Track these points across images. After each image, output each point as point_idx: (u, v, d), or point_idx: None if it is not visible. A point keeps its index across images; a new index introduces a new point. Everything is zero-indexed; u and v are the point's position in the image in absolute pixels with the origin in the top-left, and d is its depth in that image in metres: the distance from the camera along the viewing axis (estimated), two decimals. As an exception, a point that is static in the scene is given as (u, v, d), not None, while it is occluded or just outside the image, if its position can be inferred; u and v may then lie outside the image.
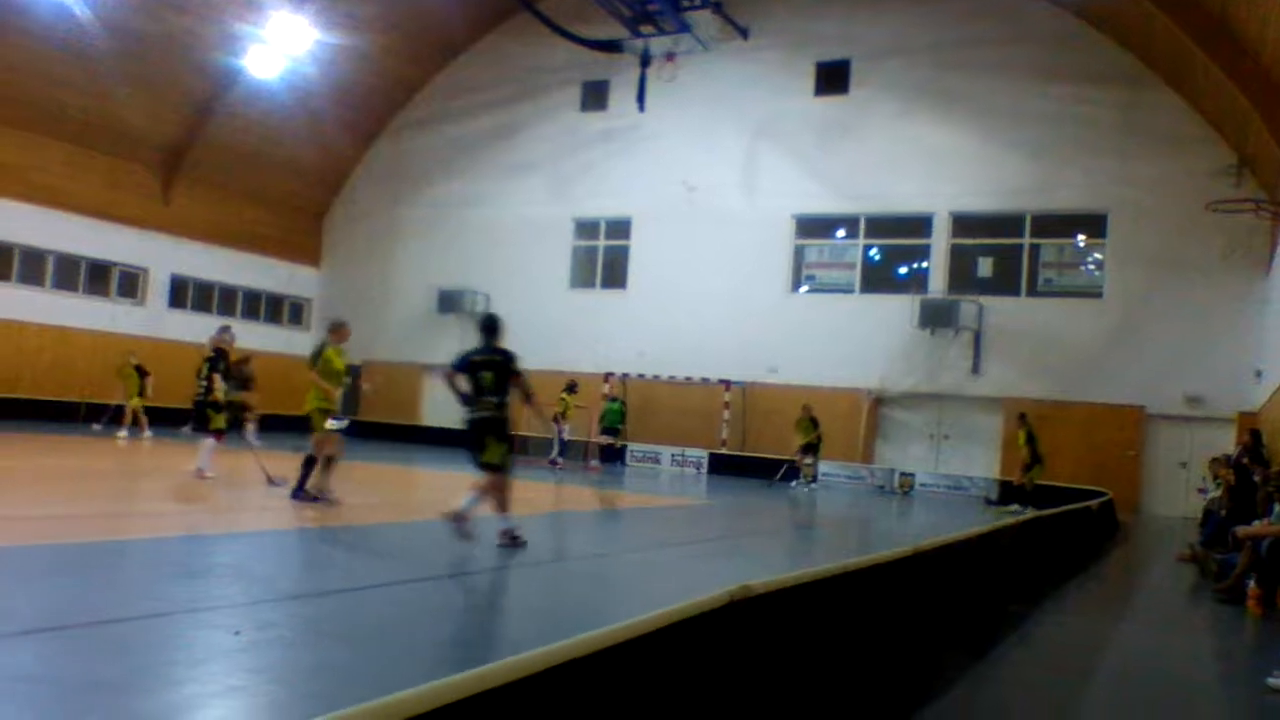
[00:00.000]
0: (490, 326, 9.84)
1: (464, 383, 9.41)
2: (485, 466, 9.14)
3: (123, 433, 21.62)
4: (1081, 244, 24.84)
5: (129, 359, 22.68)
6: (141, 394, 22.28)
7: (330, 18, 27.11)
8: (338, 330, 11.93)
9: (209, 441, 13.27)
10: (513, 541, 9.13)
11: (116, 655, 4.81)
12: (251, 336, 31.70)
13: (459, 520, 8.81)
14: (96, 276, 28.09)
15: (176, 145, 28.72)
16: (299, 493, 11.37)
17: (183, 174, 29.13)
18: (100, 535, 8.73)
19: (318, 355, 11.84)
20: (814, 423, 22.71)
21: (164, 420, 25.51)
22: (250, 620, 5.73)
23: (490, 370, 9.38)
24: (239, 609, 6.06)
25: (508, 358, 9.54)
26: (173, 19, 25.40)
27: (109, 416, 22.67)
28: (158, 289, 29.32)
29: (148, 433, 21.78)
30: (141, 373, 22.43)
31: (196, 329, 29.96)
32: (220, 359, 13.87)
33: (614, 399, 25.70)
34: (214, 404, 13.54)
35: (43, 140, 25.86)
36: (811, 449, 22.84)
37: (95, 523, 9.63)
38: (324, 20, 27.03)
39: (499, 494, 9.14)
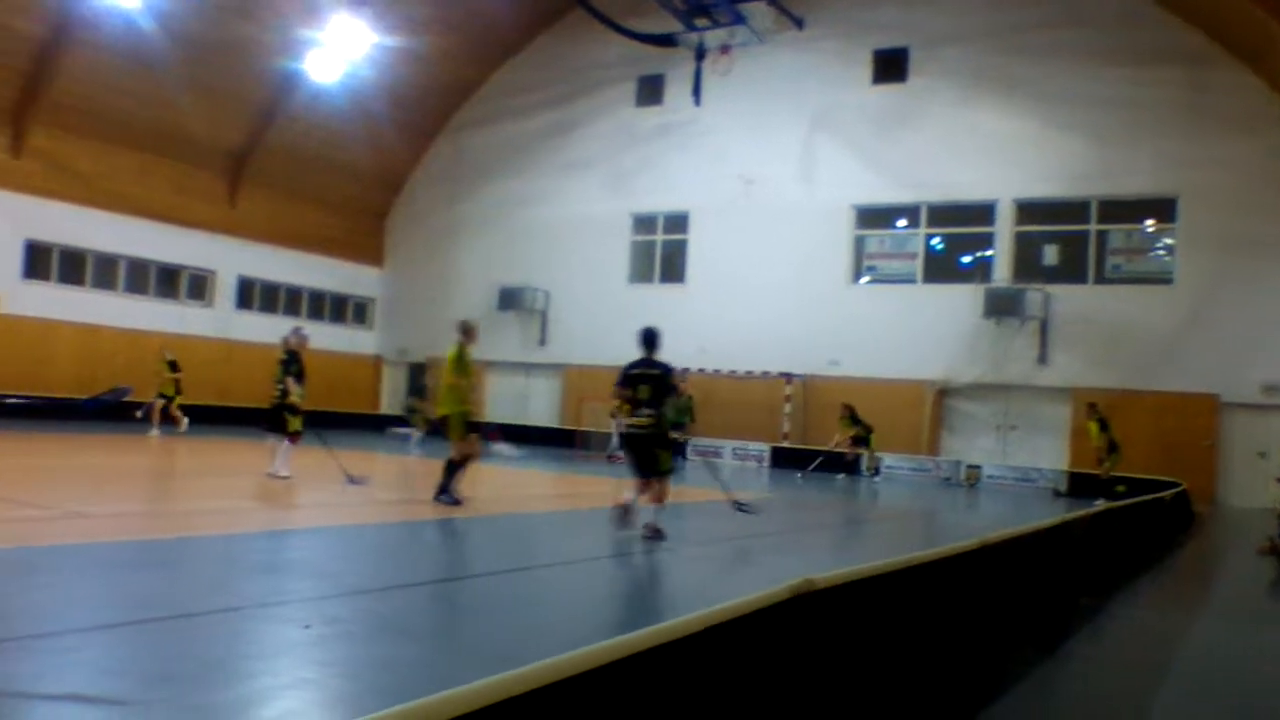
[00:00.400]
0: (649, 340, 10.32)
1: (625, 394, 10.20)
2: (658, 474, 9.96)
3: (154, 430, 21.48)
4: (1150, 229, 24.27)
5: (163, 355, 22.52)
6: (178, 390, 22.04)
7: (388, 21, 27.42)
8: (469, 331, 11.79)
9: (285, 444, 13.13)
10: (655, 534, 9.69)
11: (191, 649, 4.91)
12: (316, 336, 32.18)
13: (625, 512, 9.88)
14: (166, 280, 28.74)
15: (241, 150, 29.27)
16: (443, 494, 11.33)
17: (248, 178, 29.69)
18: (174, 532, 8.92)
19: (460, 359, 11.56)
20: (854, 418, 22.53)
21: (219, 419, 26.08)
22: (319, 615, 5.82)
23: (647, 383, 9.97)
24: (309, 604, 6.16)
25: (666, 370, 10.12)
26: (235, 26, 25.87)
27: (143, 413, 22.16)
28: (225, 291, 29.93)
29: (182, 429, 21.70)
30: (174, 368, 22.19)
31: (263, 330, 30.57)
32: (293, 360, 13.68)
33: (682, 393, 25.65)
34: (290, 406, 13.40)
35: (113, 149, 26.53)
36: (862, 441, 22.64)
37: (169, 520, 9.84)
38: (382, 23, 27.35)
39: (659, 492, 9.90)
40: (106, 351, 26.65)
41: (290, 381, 13.36)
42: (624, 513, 9.86)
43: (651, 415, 9.91)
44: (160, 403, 21.93)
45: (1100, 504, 11.65)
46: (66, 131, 25.40)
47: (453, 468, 11.34)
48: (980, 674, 5.30)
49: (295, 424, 13.31)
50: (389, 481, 15.92)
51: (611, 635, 2.49)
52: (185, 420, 21.95)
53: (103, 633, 5.13)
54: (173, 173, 28.07)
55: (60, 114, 24.96)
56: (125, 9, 23.53)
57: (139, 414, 22.05)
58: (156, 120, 26.65)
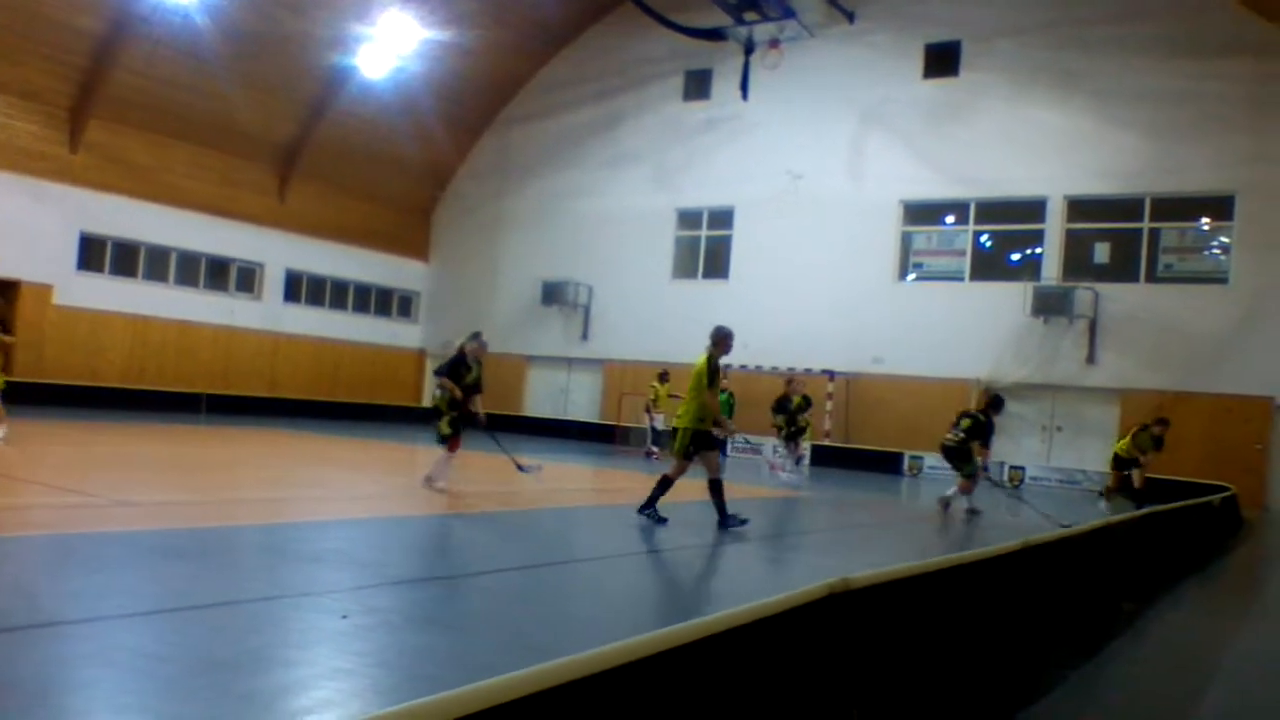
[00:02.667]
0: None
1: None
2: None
3: None
4: (1206, 227, 23.80)
5: None
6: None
7: (437, 15, 27.58)
8: (722, 341, 10.55)
9: (441, 453, 12.14)
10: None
11: (232, 636, 4.98)
12: (360, 329, 32.66)
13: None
14: (216, 272, 29.14)
15: (291, 144, 29.60)
16: (729, 521, 10.40)
17: (297, 172, 30.03)
18: (218, 521, 9.05)
19: (714, 371, 10.44)
20: (806, 402, 20.73)
21: (267, 410, 26.47)
22: (358, 604, 5.88)
23: None
24: (348, 594, 6.22)
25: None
26: (287, 22, 26.15)
27: None
28: (273, 284, 30.29)
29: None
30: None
31: (310, 323, 31.00)
32: (456, 364, 12.31)
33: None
34: (438, 410, 12.30)
35: (166, 141, 26.94)
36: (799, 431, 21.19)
37: (213, 509, 9.98)
38: (431, 18, 27.52)
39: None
40: (157, 343, 27.11)
41: (445, 381, 12.12)
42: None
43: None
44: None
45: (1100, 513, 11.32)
46: (121, 125, 25.85)
47: (667, 483, 10.55)
48: (1019, 676, 5.24)
49: (443, 429, 12.11)
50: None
51: (647, 630, 2.48)
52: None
53: (147, 618, 5.22)
54: (224, 166, 28.46)
55: (115, 108, 25.40)
56: (181, 4, 23.87)
57: None
58: (209, 114, 27.03)
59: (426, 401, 33.99)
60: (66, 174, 25.01)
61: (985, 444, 14.78)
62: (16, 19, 22.80)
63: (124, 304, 26.43)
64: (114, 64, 24.63)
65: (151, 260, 27.50)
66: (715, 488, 10.47)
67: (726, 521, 10.34)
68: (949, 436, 15.10)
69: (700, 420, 10.39)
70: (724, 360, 10.91)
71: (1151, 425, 17.79)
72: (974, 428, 14.72)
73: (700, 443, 10.48)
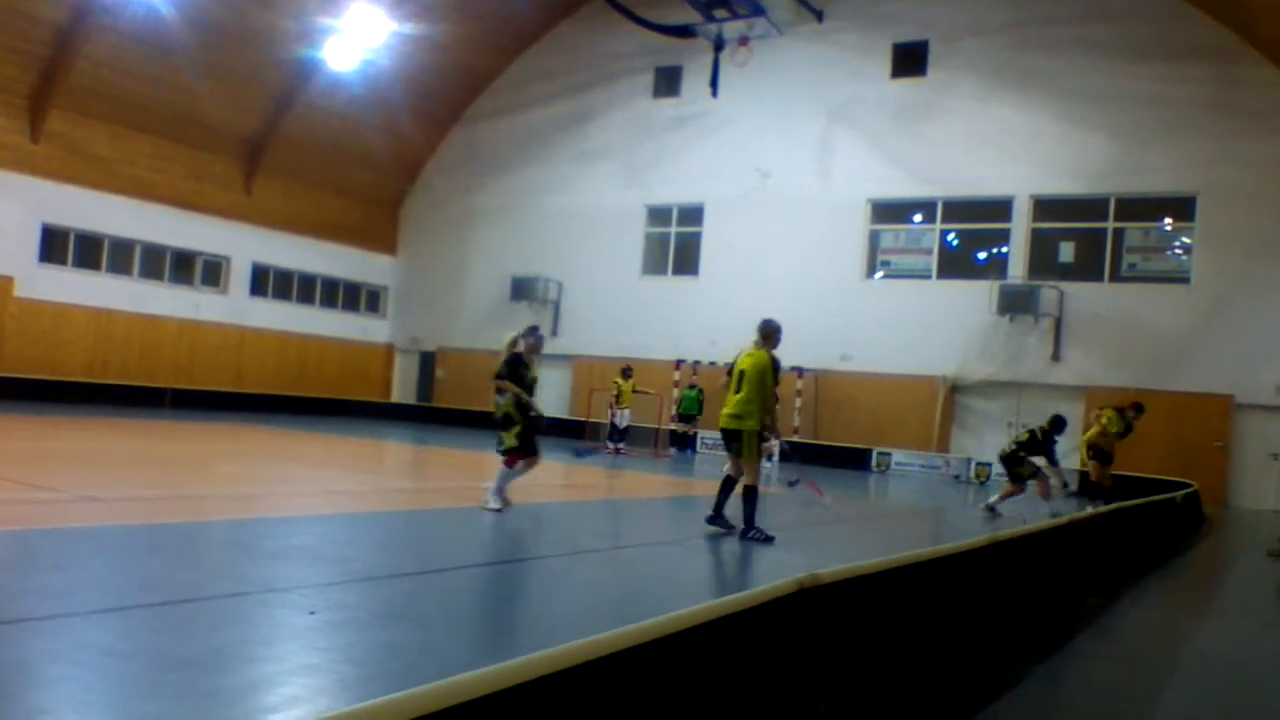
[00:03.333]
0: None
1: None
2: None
3: None
4: (1168, 228, 24.13)
5: None
6: None
7: (405, 9, 27.42)
8: (773, 335, 9.98)
9: (499, 469, 10.67)
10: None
11: (197, 632, 4.93)
12: (328, 324, 32.43)
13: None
14: (181, 265, 28.84)
15: (257, 137, 29.33)
16: (753, 530, 9.64)
17: (264, 165, 29.76)
18: (183, 517, 8.96)
19: (777, 368, 9.93)
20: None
21: (232, 405, 26.22)
22: (325, 601, 5.84)
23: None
24: (315, 590, 6.18)
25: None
26: (254, 13, 25.90)
27: None
28: (240, 277, 30.02)
29: None
30: None
31: (276, 317, 30.74)
32: (518, 362, 10.80)
33: (692, 386, 25.71)
34: (504, 419, 10.72)
35: (130, 134, 26.61)
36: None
37: (178, 505, 9.89)
38: (399, 11, 27.35)
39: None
40: (120, 336, 26.80)
41: (507, 385, 10.64)
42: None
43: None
44: None
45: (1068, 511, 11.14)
46: (84, 116, 25.49)
47: (752, 495, 9.68)
48: (985, 671, 5.29)
49: (509, 440, 10.53)
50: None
51: (614, 626, 2.48)
52: None
53: (111, 615, 5.16)
54: (189, 159, 28.14)
55: (78, 98, 25.05)
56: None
57: None
58: (173, 106, 26.72)
59: (397, 397, 33.83)
60: (27, 164, 24.65)
61: (1051, 461, 14.90)
62: (-24, 7, 22.44)
63: (87, 297, 26.10)
64: (76, 53, 24.29)
65: (115, 253, 27.16)
66: (748, 493, 9.69)
67: (750, 531, 9.63)
68: (1005, 445, 15.49)
69: (763, 418, 9.64)
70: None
71: (1127, 409, 16.64)
72: (1029, 442, 14.89)
73: (758, 445, 9.82)
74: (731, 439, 9.67)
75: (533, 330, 11.11)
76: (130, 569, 6.45)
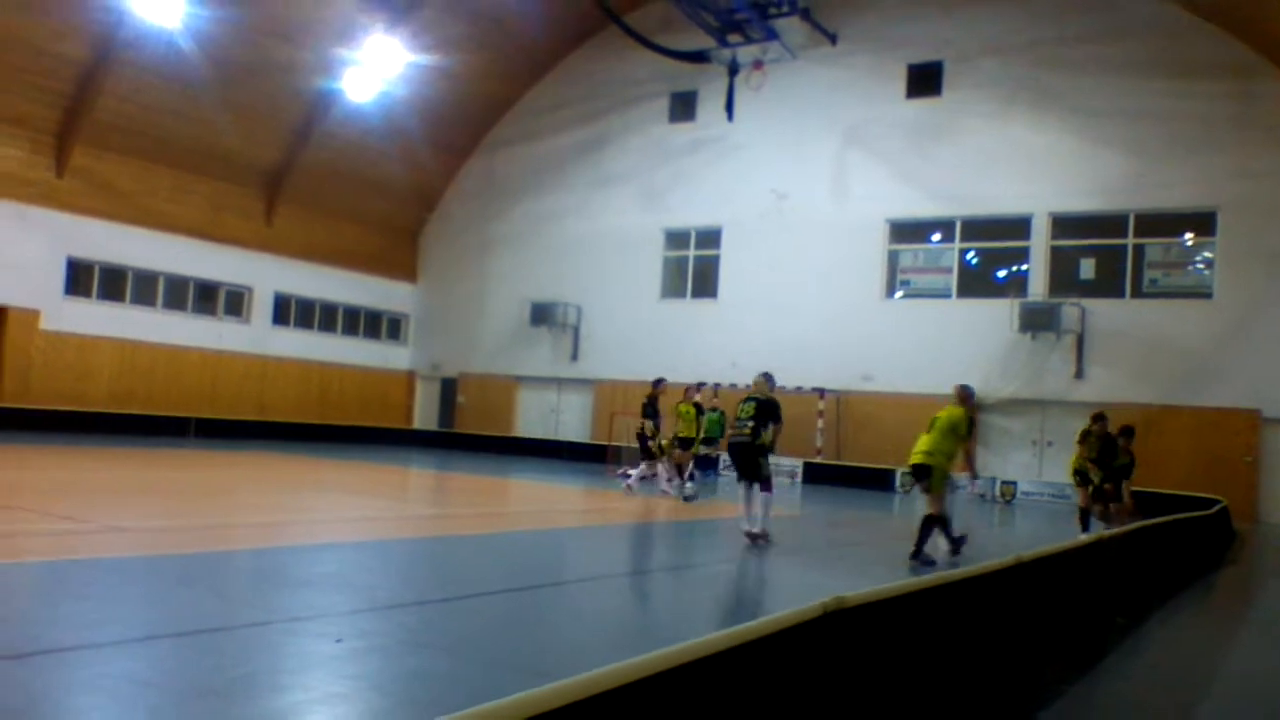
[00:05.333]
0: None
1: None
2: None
3: None
4: (1189, 243, 23.98)
5: None
6: None
7: (422, 40, 27.69)
8: (969, 398, 11.56)
9: (764, 496, 11.48)
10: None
11: (224, 662, 4.95)
12: (350, 352, 32.61)
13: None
14: (204, 296, 29.08)
15: (277, 168, 29.61)
16: (921, 555, 10.74)
17: (284, 195, 30.02)
18: (209, 546, 9.01)
19: (970, 424, 11.31)
20: (699, 410, 19.50)
21: (256, 434, 26.34)
22: (351, 629, 5.85)
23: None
24: (341, 618, 6.19)
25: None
26: (272, 47, 26.21)
27: None
28: (262, 307, 30.23)
29: None
30: None
31: (299, 346, 30.96)
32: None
33: (713, 409, 25.64)
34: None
35: (152, 167, 26.92)
36: (687, 443, 20.12)
37: (204, 534, 9.93)
38: (416, 43, 27.62)
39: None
40: (145, 366, 27.01)
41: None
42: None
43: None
44: None
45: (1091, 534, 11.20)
46: (107, 150, 25.81)
47: (930, 523, 10.95)
48: (1014, 692, 5.24)
49: (766, 469, 11.58)
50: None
51: (640, 652, 2.48)
52: None
53: (140, 645, 5.19)
54: (211, 190, 28.43)
55: (101, 133, 25.37)
56: (166, 31, 23.90)
57: None
58: (195, 139, 27.03)
59: (418, 423, 33.91)
60: (53, 199, 24.96)
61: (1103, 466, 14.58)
62: (1, 46, 22.79)
63: (112, 328, 26.34)
64: (99, 90, 24.62)
65: (139, 284, 27.42)
66: (929, 522, 10.93)
67: (919, 554, 10.72)
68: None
69: (952, 458, 11.10)
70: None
71: (1118, 436, 14.86)
72: (1101, 450, 14.56)
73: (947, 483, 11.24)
74: (922, 474, 11.05)
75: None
76: (158, 599, 6.49)
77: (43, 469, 15.40)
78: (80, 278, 26.10)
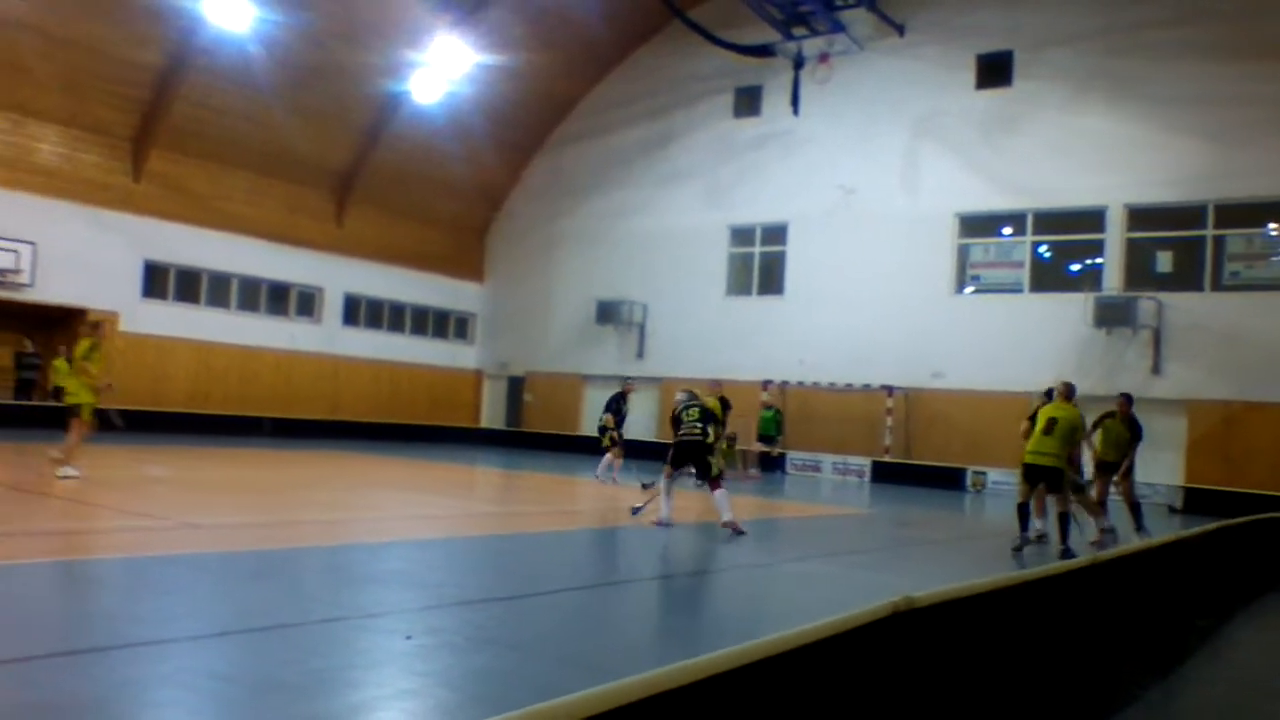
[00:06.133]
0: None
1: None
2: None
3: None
4: (1273, 233, 23.25)
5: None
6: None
7: (488, 40, 27.92)
8: (1072, 394, 12.20)
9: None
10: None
11: (298, 657, 5.03)
12: (418, 351, 33.01)
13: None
14: (276, 297, 29.64)
15: (347, 170, 30.08)
16: (1068, 549, 11.03)
17: (354, 197, 30.50)
18: (283, 543, 9.17)
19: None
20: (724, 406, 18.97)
21: (327, 433, 26.76)
22: (421, 625, 5.92)
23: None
24: (411, 614, 6.26)
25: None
26: (341, 51, 26.63)
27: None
28: (333, 307, 30.74)
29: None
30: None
31: (368, 345, 31.42)
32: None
33: (768, 407, 25.55)
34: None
35: (226, 170, 27.52)
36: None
37: (278, 531, 10.12)
38: (481, 43, 27.85)
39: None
40: (220, 367, 27.61)
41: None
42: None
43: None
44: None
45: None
46: (182, 155, 26.44)
47: (1066, 520, 11.59)
48: (1089, 696, 5.12)
49: (716, 467, 12.48)
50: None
51: (705, 651, 2.46)
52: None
53: (215, 640, 5.30)
54: (283, 193, 28.99)
55: (176, 138, 26.00)
56: (238, 36, 24.40)
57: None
58: (267, 143, 27.57)
59: (485, 422, 34.18)
60: (130, 203, 25.62)
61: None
62: (81, 55, 23.49)
63: (188, 330, 26.97)
64: (174, 95, 25.22)
65: (213, 286, 28.04)
66: (1065, 519, 11.52)
67: (1066, 543, 11.22)
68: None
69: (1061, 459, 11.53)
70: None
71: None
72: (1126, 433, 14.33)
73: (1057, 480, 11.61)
74: (1045, 476, 11.56)
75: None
76: (232, 595, 6.63)
77: (123, 468, 15.82)
78: (157, 280, 26.74)
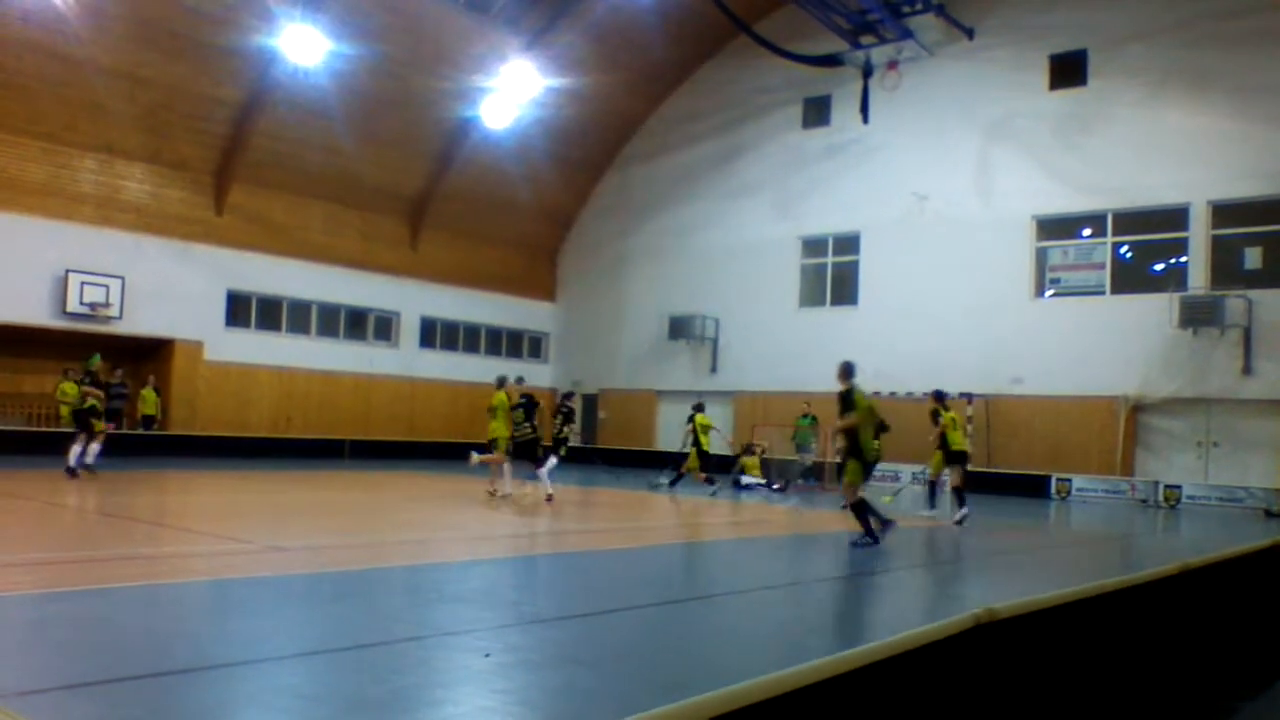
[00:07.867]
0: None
1: None
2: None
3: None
4: (1367, 225, 22.39)
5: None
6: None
7: (555, 64, 28.25)
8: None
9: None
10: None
11: (381, 675, 5.10)
12: (494, 371, 33.28)
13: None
14: (355, 322, 30.22)
15: (420, 196, 30.60)
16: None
17: (427, 222, 31.00)
18: (364, 564, 9.31)
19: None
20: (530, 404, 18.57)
21: (406, 454, 27.06)
22: (499, 643, 5.95)
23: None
24: (489, 632, 6.31)
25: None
26: (413, 80, 27.15)
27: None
28: (409, 331, 31.23)
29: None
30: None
31: (444, 367, 31.82)
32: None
33: (805, 415, 25.19)
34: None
35: (303, 201, 28.19)
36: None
37: (359, 552, 10.27)
38: (549, 67, 28.20)
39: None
40: (301, 392, 28.20)
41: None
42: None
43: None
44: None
45: None
46: (262, 187, 27.15)
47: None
48: (1183, 710, 4.96)
49: (540, 453, 16.92)
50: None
51: (786, 666, 2.44)
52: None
53: (301, 660, 5.39)
54: (359, 221, 29.60)
55: (256, 171, 26.72)
56: (313, 70, 24.98)
57: None
58: (343, 172, 28.18)
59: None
60: (213, 236, 26.36)
61: None
62: (165, 95, 24.29)
63: (269, 357, 27.63)
64: (253, 130, 25.92)
65: (294, 314, 28.68)
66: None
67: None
68: None
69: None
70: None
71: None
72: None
73: None
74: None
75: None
76: (316, 615, 6.74)
77: (210, 493, 16.22)
78: (239, 309, 27.44)
